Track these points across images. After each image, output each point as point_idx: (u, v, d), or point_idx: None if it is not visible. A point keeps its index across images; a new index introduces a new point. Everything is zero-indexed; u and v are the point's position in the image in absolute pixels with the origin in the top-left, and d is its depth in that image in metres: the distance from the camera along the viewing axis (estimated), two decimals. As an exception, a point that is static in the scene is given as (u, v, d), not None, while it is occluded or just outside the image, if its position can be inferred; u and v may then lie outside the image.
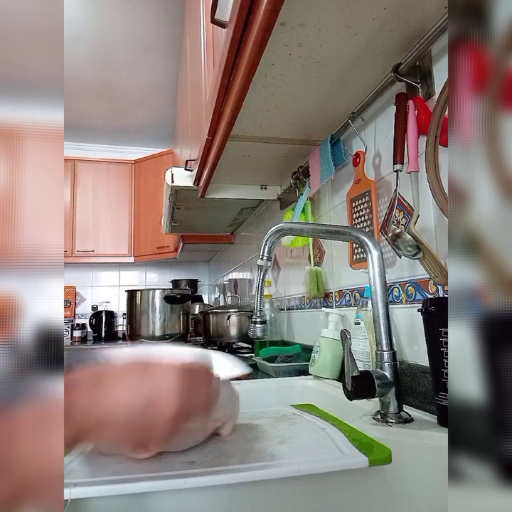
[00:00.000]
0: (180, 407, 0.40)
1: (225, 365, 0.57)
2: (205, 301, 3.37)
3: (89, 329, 3.36)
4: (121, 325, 3.44)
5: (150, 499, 0.44)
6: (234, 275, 2.54)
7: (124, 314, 3.19)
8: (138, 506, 0.44)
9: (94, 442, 0.48)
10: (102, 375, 0.40)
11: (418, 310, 0.60)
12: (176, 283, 3.41)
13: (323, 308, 1.14)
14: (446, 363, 0.55)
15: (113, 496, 0.42)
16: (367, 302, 0.88)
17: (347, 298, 1.05)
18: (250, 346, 1.85)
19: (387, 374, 0.61)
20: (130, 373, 0.41)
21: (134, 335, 2.19)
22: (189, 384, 0.41)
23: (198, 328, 2.38)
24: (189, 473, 0.43)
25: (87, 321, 3.39)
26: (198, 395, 0.42)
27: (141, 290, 2.21)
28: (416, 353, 0.76)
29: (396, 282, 0.82)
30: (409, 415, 0.61)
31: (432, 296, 0.72)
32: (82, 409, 0.36)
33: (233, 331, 1.83)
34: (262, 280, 0.78)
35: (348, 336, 0.61)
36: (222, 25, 0.73)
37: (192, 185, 1.41)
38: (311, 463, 0.45)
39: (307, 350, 1.15)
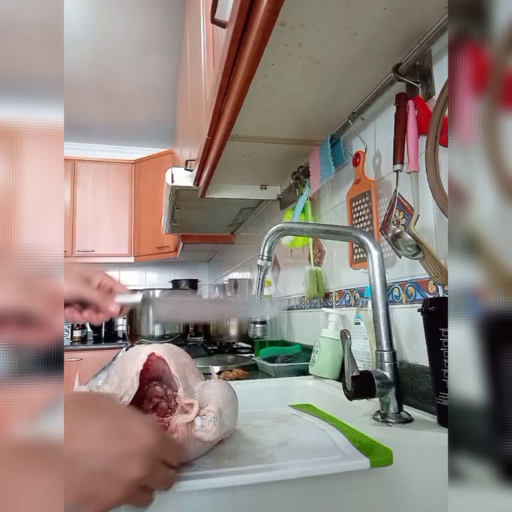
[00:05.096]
0: (148, 469, 0.34)
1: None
2: (205, 301, 3.36)
3: (89, 329, 3.36)
4: (121, 325, 3.44)
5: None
6: (234, 275, 2.54)
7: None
8: (138, 509, 0.44)
9: None
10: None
11: (418, 310, 0.60)
12: (176, 283, 3.41)
13: (323, 308, 1.14)
14: (446, 363, 0.55)
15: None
16: (367, 302, 0.88)
17: (347, 298, 1.04)
18: (250, 346, 1.86)
19: (387, 374, 0.61)
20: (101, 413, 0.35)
21: (133, 335, 2.19)
22: (160, 448, 0.36)
23: (198, 328, 2.38)
24: (189, 475, 0.42)
25: (87, 321, 3.39)
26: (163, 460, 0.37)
27: (141, 290, 2.22)
28: (416, 353, 0.76)
29: (396, 282, 0.82)
30: (409, 415, 0.61)
31: (432, 296, 0.72)
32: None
33: (233, 331, 1.83)
34: (262, 280, 0.78)
35: (348, 336, 0.61)
36: (222, 25, 0.73)
37: (192, 185, 1.41)
38: (312, 465, 0.45)
39: (307, 350, 1.15)
